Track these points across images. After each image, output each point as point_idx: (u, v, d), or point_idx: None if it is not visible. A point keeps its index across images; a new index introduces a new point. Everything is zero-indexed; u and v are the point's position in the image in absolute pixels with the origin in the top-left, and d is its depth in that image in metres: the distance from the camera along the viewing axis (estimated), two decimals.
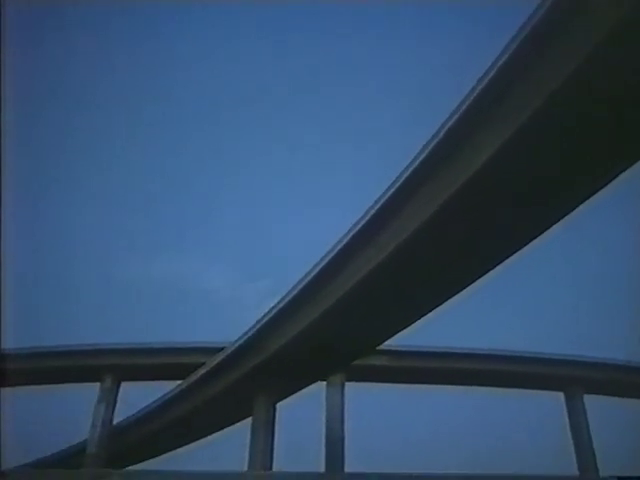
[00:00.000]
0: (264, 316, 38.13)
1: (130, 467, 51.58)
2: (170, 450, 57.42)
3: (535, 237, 25.96)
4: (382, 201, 27.12)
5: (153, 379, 52.93)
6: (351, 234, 29.39)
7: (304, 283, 33.88)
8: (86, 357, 51.17)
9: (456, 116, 22.09)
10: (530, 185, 22.51)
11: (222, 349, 43.25)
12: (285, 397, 43.70)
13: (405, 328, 34.59)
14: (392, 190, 26.40)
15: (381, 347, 39.63)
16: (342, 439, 45.10)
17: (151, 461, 57.71)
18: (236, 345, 40.95)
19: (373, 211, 27.76)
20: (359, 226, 28.73)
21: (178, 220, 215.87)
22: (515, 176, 21.93)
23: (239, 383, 41.60)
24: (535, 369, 48.14)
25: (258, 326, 38.52)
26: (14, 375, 52.74)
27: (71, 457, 56.52)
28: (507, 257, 27.36)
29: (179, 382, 48.19)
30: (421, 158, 24.41)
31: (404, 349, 45.58)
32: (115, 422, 52.65)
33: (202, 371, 44.56)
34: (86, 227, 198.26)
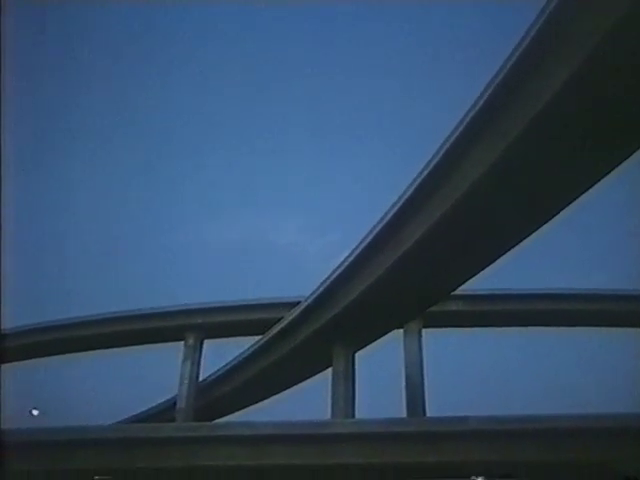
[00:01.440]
0: (338, 267, 38.51)
1: (218, 419, 53.96)
2: (255, 402, 59.36)
3: (597, 180, 25.52)
4: (448, 145, 26.92)
5: (234, 335, 54.72)
6: (421, 178, 29.24)
7: (376, 232, 33.93)
8: (169, 317, 53.36)
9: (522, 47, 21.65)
10: (595, 124, 21.97)
11: (298, 303, 44.12)
12: (363, 346, 44.31)
13: (480, 272, 34.33)
14: (456, 134, 26.19)
15: (456, 292, 39.46)
16: (422, 385, 45.58)
17: (238, 413, 60.06)
18: (312, 298, 41.61)
19: (441, 154, 27.54)
20: (428, 169, 28.54)
21: (250, 181, 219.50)
22: (582, 112, 21.41)
23: (317, 335, 42.32)
24: (614, 307, 47.09)
25: (332, 278, 38.93)
26: (105, 338, 55.75)
27: (164, 412, 59.51)
28: (572, 200, 27.02)
29: (259, 337, 49.59)
30: (481, 103, 24.15)
31: (479, 293, 45.24)
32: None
33: (280, 325, 45.57)
34: (168, 193, 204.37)
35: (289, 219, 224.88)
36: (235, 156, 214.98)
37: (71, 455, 35.76)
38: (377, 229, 33.76)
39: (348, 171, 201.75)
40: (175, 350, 55.07)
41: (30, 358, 62.10)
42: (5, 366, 62.62)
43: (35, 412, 63.23)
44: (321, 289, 40.55)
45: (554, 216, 28.49)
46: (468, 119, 25.28)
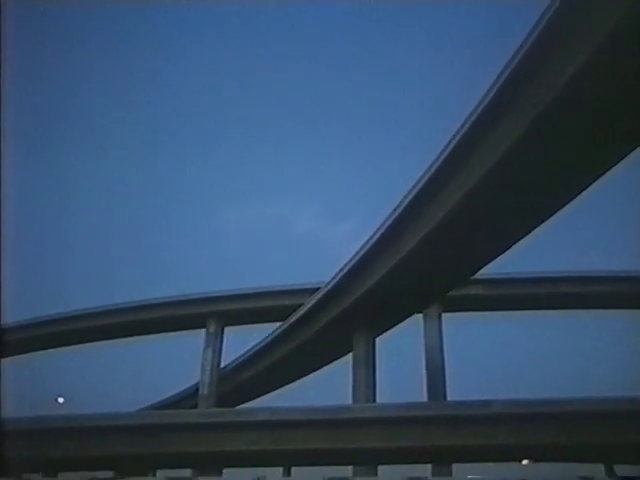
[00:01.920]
0: (357, 253, 38.57)
1: (240, 405, 54.47)
2: (277, 388, 59.85)
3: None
4: (469, 123, 26.72)
5: (254, 322, 55.15)
6: (439, 162, 29.12)
7: (394, 217, 33.93)
8: (191, 305, 53.86)
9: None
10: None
11: (318, 289, 44.26)
12: (383, 331, 44.41)
13: (499, 256, 34.21)
14: (477, 113, 26.03)
15: (476, 276, 39.42)
16: (442, 369, 45.68)
17: (260, 399, 60.61)
18: (331, 284, 41.73)
19: (460, 134, 27.36)
20: (447, 152, 28.40)
21: (268, 169, 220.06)
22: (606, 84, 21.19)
23: (337, 321, 42.47)
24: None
25: (352, 264, 39.01)
26: (128, 326, 56.43)
27: (187, 399, 60.24)
28: (593, 181, 26.87)
29: (279, 324, 49.88)
30: (504, 78, 23.92)
31: (499, 277, 45.07)
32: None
33: (300, 312, 45.79)
34: (186, 183, 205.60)
35: (307, 206, 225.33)
36: (253, 144, 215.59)
37: (97, 442, 36.38)
38: (395, 214, 33.79)
39: (365, 158, 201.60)
40: (197, 338, 55.69)
41: (54, 347, 63.18)
42: (32, 355, 63.91)
43: (61, 400, 64.31)
44: (340, 275, 40.65)
45: (571, 200, 28.41)
46: (483, 103, 25.20)
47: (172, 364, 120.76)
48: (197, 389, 54.27)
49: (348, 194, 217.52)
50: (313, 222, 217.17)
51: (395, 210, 33.93)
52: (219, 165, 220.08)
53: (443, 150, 28.77)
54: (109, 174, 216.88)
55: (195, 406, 51.41)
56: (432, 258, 33.35)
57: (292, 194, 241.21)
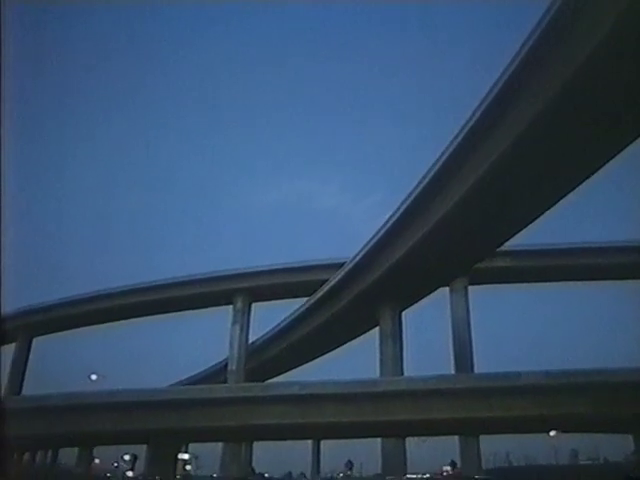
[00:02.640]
0: (382, 227, 38.48)
1: (269, 380, 55.13)
2: (304, 363, 60.48)
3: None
4: (488, 102, 26.44)
5: (281, 298, 55.54)
6: (464, 133, 28.80)
7: (419, 190, 33.71)
8: (218, 282, 54.36)
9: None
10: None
11: (343, 264, 44.33)
12: (409, 305, 44.44)
13: (526, 227, 33.87)
14: (500, 83, 25.68)
15: (502, 248, 39.07)
16: (470, 341, 45.69)
17: (288, 374, 61.31)
18: (357, 259, 41.76)
19: (484, 106, 27.04)
20: (471, 123, 28.08)
21: (292, 146, 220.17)
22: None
23: (363, 295, 42.56)
24: None
25: (377, 238, 38.97)
26: (157, 305, 57.24)
27: (216, 374, 61.18)
28: (615, 154, 26.54)
29: (306, 299, 50.15)
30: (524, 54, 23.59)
31: (526, 249, 44.57)
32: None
33: (327, 287, 45.94)
34: (213, 161, 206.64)
35: (331, 182, 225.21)
36: (276, 123, 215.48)
37: (130, 416, 37.15)
38: (420, 188, 33.55)
39: (389, 133, 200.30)
40: (225, 314, 56.31)
41: (86, 325, 64.35)
42: (65, 333, 65.15)
43: (94, 377, 65.68)
44: (365, 250, 40.66)
45: (593, 172, 28.12)
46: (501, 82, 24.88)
47: (201, 341, 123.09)
48: (226, 365, 55.02)
49: (372, 169, 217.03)
50: (337, 198, 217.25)
51: (419, 183, 33.71)
52: (244, 144, 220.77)
53: (467, 122, 28.50)
54: (139, 153, 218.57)
55: (224, 381, 52.11)
56: (458, 231, 33.18)
57: (316, 171, 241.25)
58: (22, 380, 62.33)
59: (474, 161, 28.77)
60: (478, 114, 27.52)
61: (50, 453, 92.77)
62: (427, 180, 32.87)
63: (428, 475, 45.91)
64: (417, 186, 34.11)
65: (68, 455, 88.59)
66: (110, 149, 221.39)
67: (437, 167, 31.57)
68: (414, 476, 40.67)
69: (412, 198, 34.49)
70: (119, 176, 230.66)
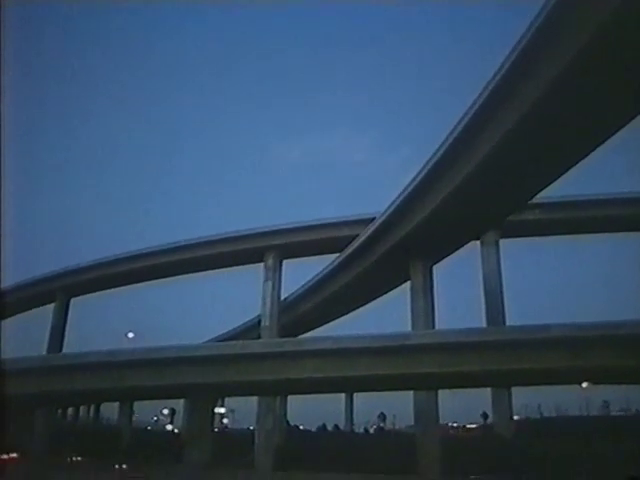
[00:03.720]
0: (412, 181, 38.17)
1: (303, 335, 56.02)
2: (336, 318, 61.18)
3: None
4: (518, 50, 25.78)
5: (311, 255, 55.90)
6: (493, 84, 28.22)
7: (449, 143, 33.15)
8: (249, 240, 54.86)
9: None
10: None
11: (373, 219, 44.32)
12: (440, 259, 44.36)
13: (557, 178, 33.33)
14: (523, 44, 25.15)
15: (534, 200, 38.42)
16: (501, 294, 45.72)
17: (321, 328, 62.17)
18: (387, 214, 41.62)
19: (513, 58, 26.43)
20: (501, 74, 27.47)
21: (320, 101, 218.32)
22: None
23: (394, 250, 42.50)
24: None
25: (407, 192, 38.69)
26: (189, 263, 58.15)
27: (250, 330, 62.31)
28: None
29: (336, 255, 50.41)
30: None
31: (558, 200, 43.92)
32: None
33: (357, 242, 46.02)
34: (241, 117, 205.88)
35: (360, 137, 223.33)
36: (304, 76, 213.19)
37: (168, 372, 38.18)
38: (450, 140, 32.95)
39: (416, 86, 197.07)
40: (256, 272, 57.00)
41: (121, 285, 65.78)
42: (103, 293, 66.73)
43: (131, 335, 67.45)
44: (396, 204, 40.43)
45: (623, 125, 27.47)
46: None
47: (234, 299, 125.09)
48: (259, 321, 55.92)
49: (402, 122, 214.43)
50: (367, 152, 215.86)
51: (449, 136, 33.16)
52: (271, 99, 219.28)
53: (497, 72, 27.90)
54: (162, 110, 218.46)
55: (258, 337, 53.00)
56: (488, 184, 32.80)
57: (344, 125, 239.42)
58: (62, 340, 64.30)
59: (505, 113, 28.27)
60: (509, 63, 26.93)
61: (93, 408, 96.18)
62: (457, 132, 32.30)
63: None
64: (446, 139, 33.61)
65: (109, 410, 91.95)
66: (134, 109, 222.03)
67: (467, 119, 30.99)
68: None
69: (442, 151, 34.02)
70: (147, 136, 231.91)
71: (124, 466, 49.56)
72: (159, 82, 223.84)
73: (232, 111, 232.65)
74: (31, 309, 72.02)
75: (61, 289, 64.91)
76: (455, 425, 74.19)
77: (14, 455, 60.91)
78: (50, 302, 66.38)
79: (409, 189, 38.51)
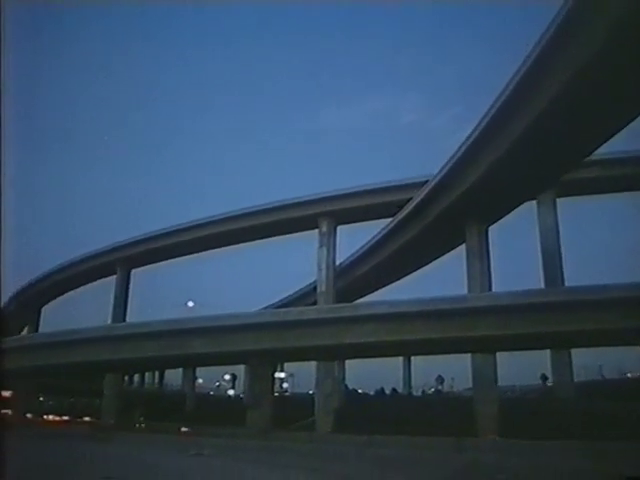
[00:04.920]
0: (465, 141, 37.34)
1: (359, 300, 56.31)
2: (392, 282, 61.19)
3: None
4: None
5: (365, 220, 55.86)
6: (547, 38, 27.22)
7: (503, 100, 32.07)
8: (302, 207, 55.18)
9: None
10: None
11: (426, 182, 43.84)
12: (496, 220, 43.62)
13: (616, 134, 32.08)
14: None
15: (591, 157, 37.09)
16: (559, 255, 44.80)
17: (376, 293, 62.39)
18: (440, 175, 40.98)
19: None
20: (554, 28, 26.48)
21: (367, 62, 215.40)
22: None
23: (448, 212, 41.88)
24: None
25: (460, 153, 37.85)
26: (244, 232, 58.97)
27: (306, 296, 63.03)
28: None
29: (390, 219, 50.21)
30: None
31: (618, 156, 42.29)
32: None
33: (411, 206, 45.61)
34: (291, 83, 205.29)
35: (409, 96, 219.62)
36: (352, 40, 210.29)
37: (227, 339, 39.19)
38: (504, 97, 31.87)
39: (468, 41, 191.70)
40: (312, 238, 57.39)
41: (180, 256, 67.31)
42: (164, 263, 68.48)
43: (190, 304, 69.27)
44: (449, 166, 39.71)
45: None
46: None
47: (289, 265, 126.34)
48: (315, 287, 56.42)
49: (452, 80, 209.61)
50: (416, 112, 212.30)
51: (503, 92, 32.03)
52: (319, 63, 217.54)
53: (549, 28, 26.90)
54: (219, 79, 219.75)
55: (315, 303, 53.54)
56: (543, 142, 31.72)
57: (392, 85, 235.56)
58: (125, 310, 66.44)
59: (559, 67, 27.31)
60: (562, 15, 25.94)
61: (157, 375, 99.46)
62: (510, 89, 31.20)
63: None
64: (500, 96, 32.54)
65: (173, 377, 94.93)
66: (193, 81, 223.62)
67: (520, 74, 29.97)
68: None
69: (495, 109, 32.99)
70: (207, 107, 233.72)
71: (187, 429, 51.27)
72: (204, 45, 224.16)
73: (276, 77, 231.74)
74: (95, 281, 74.64)
75: (121, 261, 66.86)
76: (513, 387, 73.74)
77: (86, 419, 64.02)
78: (112, 274, 68.51)
79: (462, 149, 37.63)
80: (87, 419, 71.71)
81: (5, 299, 78.87)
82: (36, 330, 78.63)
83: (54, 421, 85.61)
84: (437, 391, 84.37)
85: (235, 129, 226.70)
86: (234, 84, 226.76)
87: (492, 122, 33.80)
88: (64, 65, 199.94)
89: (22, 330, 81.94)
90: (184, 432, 49.50)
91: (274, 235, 61.02)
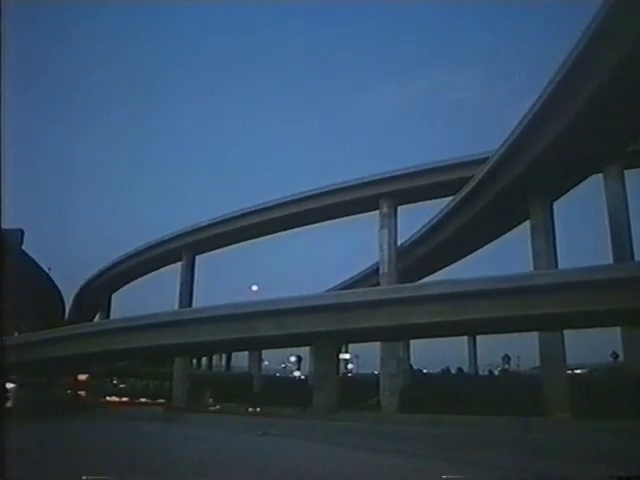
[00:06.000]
0: (527, 114, 36.33)
1: (421, 280, 56.02)
2: (454, 261, 60.60)
3: None
4: None
5: (425, 199, 55.36)
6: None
7: (565, 70, 31.11)
8: (362, 188, 55.15)
9: None
10: None
11: (487, 159, 43.10)
12: (560, 195, 42.60)
13: None
14: None
15: None
16: (628, 229, 43.33)
17: (439, 272, 61.91)
18: (502, 151, 40.18)
19: None
20: None
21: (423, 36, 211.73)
22: None
23: (510, 189, 41.08)
24: None
25: (522, 126, 36.94)
26: (305, 216, 59.40)
27: (369, 277, 63.14)
28: None
29: (451, 198, 49.64)
30: None
31: None
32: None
33: (471, 184, 44.95)
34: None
35: (464, 70, 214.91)
36: (402, 16, 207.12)
37: (292, 321, 39.71)
38: (567, 66, 30.74)
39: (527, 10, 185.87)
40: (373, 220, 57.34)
41: (243, 240, 68.41)
42: (228, 248, 69.85)
43: (254, 287, 70.47)
44: (510, 141, 38.84)
45: None
46: None
47: (351, 247, 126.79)
48: (377, 268, 56.43)
49: (509, 51, 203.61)
50: (472, 87, 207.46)
51: (566, 61, 30.85)
52: (371, 39, 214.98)
53: None
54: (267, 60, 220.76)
55: (377, 284, 53.53)
56: (611, 108, 30.49)
57: (446, 60, 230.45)
58: (191, 295, 68.11)
59: (626, 30, 26.17)
60: None
61: (225, 357, 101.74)
62: (579, 48, 29.72)
63: None
64: (562, 66, 31.37)
65: (240, 359, 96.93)
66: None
67: (582, 44, 29.02)
68: None
69: (557, 80, 31.88)
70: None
71: (257, 409, 52.53)
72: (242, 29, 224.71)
73: (331, 54, 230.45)
74: (161, 268, 76.76)
75: (186, 247, 68.44)
76: (582, 365, 72.18)
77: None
78: (178, 260, 70.24)
79: (525, 122, 36.62)
80: (160, 401, 74.40)
81: (79, 287, 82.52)
82: (107, 316, 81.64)
83: (128, 402, 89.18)
84: (504, 370, 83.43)
85: (296, 107, 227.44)
86: (298, 58, 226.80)
87: (555, 93, 32.75)
88: (76, 63, 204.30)
89: (94, 316, 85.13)
90: (252, 412, 50.72)
91: (335, 217, 61.27)
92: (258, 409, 52.29)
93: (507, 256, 57.14)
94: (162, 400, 73.39)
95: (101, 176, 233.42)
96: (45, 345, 48.63)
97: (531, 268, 41.52)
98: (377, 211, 55.59)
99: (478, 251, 58.55)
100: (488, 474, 11.69)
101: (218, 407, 65.31)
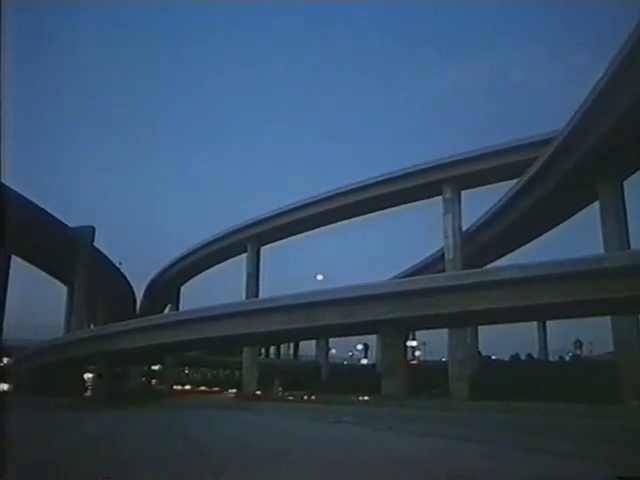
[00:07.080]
0: (593, 90, 35.01)
1: (487, 265, 55.11)
2: (520, 245, 59.30)
3: None
4: None
5: (489, 183, 54.39)
6: None
7: (633, 40, 29.95)
8: (425, 174, 54.74)
9: None
10: None
11: (552, 139, 41.97)
12: (631, 174, 40.91)
13: None
14: None
15: None
16: None
17: (505, 257, 60.77)
18: (567, 130, 38.92)
19: None
20: None
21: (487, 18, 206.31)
22: None
23: (577, 169, 39.86)
24: None
25: (588, 102, 35.61)
26: (367, 203, 59.35)
27: (435, 263, 62.70)
28: None
29: (516, 181, 48.63)
30: None
31: None
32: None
33: (536, 166, 43.87)
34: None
35: (522, 49, 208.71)
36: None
37: (356, 310, 39.82)
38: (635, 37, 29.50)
39: None
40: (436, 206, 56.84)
41: (307, 230, 69.00)
42: (292, 239, 70.61)
43: (320, 277, 70.97)
44: (576, 118, 37.48)
45: None
46: None
47: (416, 233, 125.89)
48: (442, 255, 55.94)
49: (575, 27, 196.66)
50: (532, 66, 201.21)
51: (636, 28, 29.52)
52: (427, 24, 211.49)
53: None
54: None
55: (442, 270, 53.07)
56: None
57: (503, 40, 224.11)
58: (257, 286, 69.18)
59: None
60: None
61: (292, 346, 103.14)
62: None
63: None
64: (633, 33, 30.07)
65: (307, 347, 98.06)
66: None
67: None
68: None
69: (627, 49, 30.50)
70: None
71: (323, 397, 53.11)
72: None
73: (390, 39, 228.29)
74: (227, 259, 78.24)
75: (251, 238, 69.44)
76: None
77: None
78: (243, 252, 71.41)
79: (589, 100, 35.41)
80: (232, 390, 76.19)
81: (150, 280, 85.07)
82: (177, 308, 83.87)
83: (200, 391, 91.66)
84: (575, 356, 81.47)
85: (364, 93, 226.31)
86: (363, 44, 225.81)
87: (623, 65, 31.41)
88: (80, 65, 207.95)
89: (164, 308, 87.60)
90: (321, 400, 51.24)
91: (398, 204, 60.98)
92: (326, 397, 52.81)
93: (576, 239, 55.62)
94: (234, 390, 75.17)
95: (165, 177, 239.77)
96: (120, 336, 50.31)
97: (602, 251, 40.21)
98: (440, 196, 55.07)
99: (545, 234, 57.15)
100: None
101: (287, 395, 66.30)
